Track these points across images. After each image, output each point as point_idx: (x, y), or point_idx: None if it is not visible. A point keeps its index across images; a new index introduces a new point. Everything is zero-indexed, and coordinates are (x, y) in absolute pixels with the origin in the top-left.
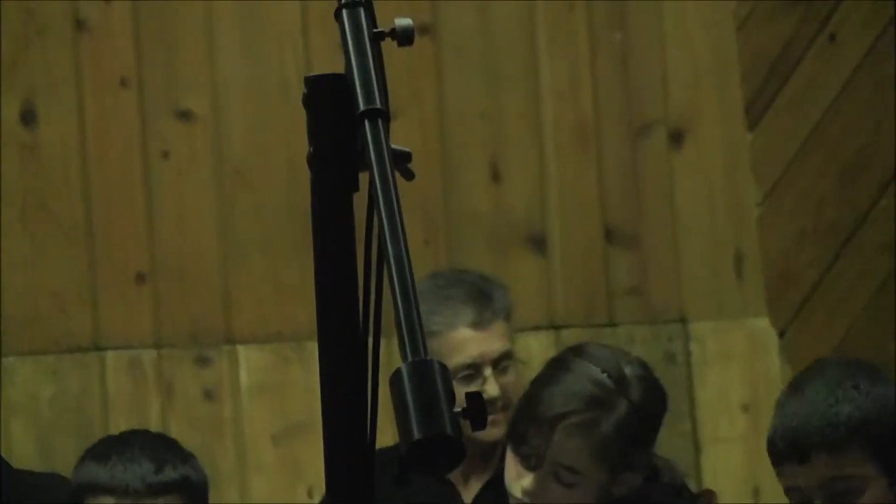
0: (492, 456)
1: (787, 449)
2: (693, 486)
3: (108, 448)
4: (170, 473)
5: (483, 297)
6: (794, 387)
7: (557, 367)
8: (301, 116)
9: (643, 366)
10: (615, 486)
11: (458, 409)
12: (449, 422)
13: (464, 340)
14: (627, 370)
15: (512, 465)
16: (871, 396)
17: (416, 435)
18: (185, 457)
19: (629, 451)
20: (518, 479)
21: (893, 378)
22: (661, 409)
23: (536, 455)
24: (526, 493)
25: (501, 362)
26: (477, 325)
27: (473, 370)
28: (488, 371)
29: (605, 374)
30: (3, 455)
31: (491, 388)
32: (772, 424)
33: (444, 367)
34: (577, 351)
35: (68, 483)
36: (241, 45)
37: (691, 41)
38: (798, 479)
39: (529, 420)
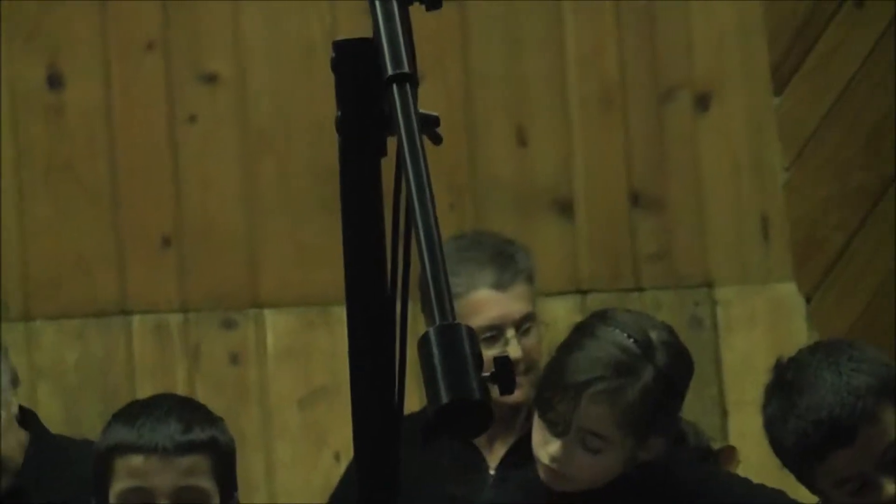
0: (515, 419)
1: (827, 439)
2: None
3: (136, 410)
4: (198, 433)
5: (504, 259)
6: (789, 388)
7: (583, 333)
8: (326, 79)
9: (669, 331)
10: (642, 452)
11: (486, 374)
12: (477, 386)
13: (485, 302)
14: (653, 335)
15: (539, 432)
16: (867, 362)
17: (444, 399)
18: (212, 419)
19: (655, 417)
20: (545, 446)
21: None
22: (687, 374)
23: (563, 422)
24: (553, 459)
25: (523, 324)
26: (498, 286)
27: (495, 332)
28: (510, 333)
29: (630, 340)
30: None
31: (513, 351)
32: (784, 432)
33: (471, 330)
34: (603, 317)
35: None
36: (266, 8)
37: (716, 4)
38: (848, 465)
39: (555, 387)
